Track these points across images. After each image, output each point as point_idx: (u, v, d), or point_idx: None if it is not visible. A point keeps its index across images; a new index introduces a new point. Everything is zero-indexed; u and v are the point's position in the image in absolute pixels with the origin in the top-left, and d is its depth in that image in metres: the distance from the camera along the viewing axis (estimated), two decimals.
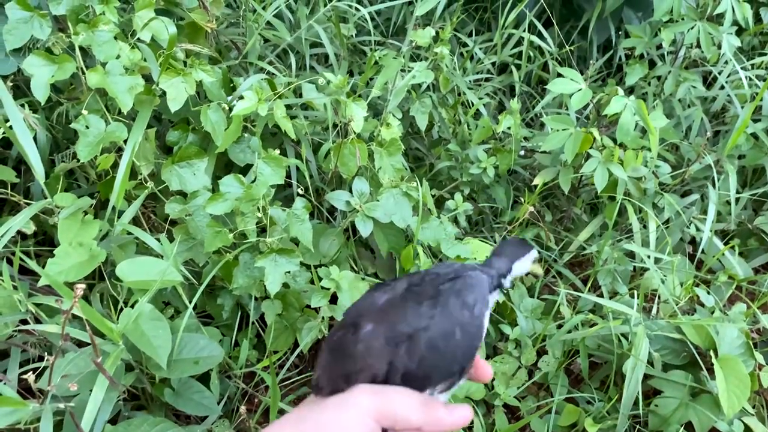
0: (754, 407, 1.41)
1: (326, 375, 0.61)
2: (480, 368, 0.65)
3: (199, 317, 1.42)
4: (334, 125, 1.52)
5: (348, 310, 0.65)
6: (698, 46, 2.04)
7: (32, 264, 1.03)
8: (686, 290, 1.55)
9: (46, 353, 1.09)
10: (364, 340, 0.59)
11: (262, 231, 1.30)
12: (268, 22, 1.74)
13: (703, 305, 1.57)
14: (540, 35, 2.29)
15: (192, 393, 1.22)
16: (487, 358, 1.55)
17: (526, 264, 0.76)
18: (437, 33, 1.77)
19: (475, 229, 1.94)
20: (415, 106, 1.76)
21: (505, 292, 1.62)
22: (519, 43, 2.28)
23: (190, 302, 1.21)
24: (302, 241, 1.28)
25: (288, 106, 1.52)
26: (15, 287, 1.09)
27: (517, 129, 1.78)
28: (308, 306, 1.39)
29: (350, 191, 1.44)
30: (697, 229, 1.83)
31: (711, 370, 1.37)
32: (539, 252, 1.85)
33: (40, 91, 1.16)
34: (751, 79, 2.11)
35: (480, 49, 2.33)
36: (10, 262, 1.16)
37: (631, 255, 1.74)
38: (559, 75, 1.71)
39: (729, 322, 1.45)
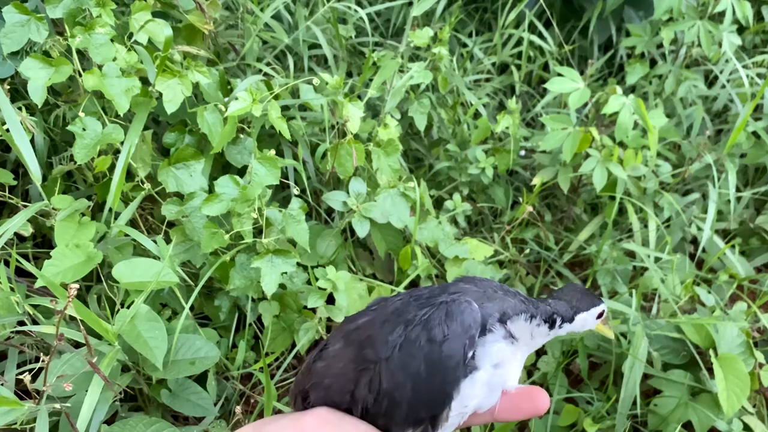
0: (754, 406, 1.40)
1: (293, 390, 0.57)
2: (531, 397, 0.55)
3: (197, 319, 1.42)
4: (332, 126, 1.52)
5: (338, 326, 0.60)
6: (699, 44, 2.03)
7: (29, 266, 1.04)
8: (686, 289, 1.55)
9: (42, 354, 1.09)
10: (327, 358, 0.54)
11: (258, 232, 1.30)
12: (266, 24, 1.75)
13: (703, 304, 1.56)
14: (540, 35, 2.29)
15: (189, 394, 1.22)
16: None
17: (590, 319, 0.64)
18: (436, 33, 1.78)
19: (475, 229, 1.93)
20: (413, 107, 1.76)
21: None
22: (519, 43, 2.28)
23: (187, 303, 1.22)
24: (299, 241, 1.28)
25: (286, 107, 1.52)
26: (12, 289, 1.09)
27: (516, 129, 1.78)
28: (306, 307, 1.39)
29: (348, 192, 1.44)
30: (698, 228, 1.82)
31: (711, 370, 1.36)
32: (539, 252, 1.85)
33: (37, 94, 1.17)
34: (752, 77, 2.10)
35: (480, 49, 2.32)
36: (7, 263, 1.16)
37: (631, 254, 1.74)
38: (559, 75, 1.71)
39: (729, 321, 1.44)
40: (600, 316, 0.66)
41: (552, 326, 0.59)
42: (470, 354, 0.50)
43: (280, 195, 1.62)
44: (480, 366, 0.51)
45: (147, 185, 1.30)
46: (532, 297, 0.61)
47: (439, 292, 0.53)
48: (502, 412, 0.55)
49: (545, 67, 2.39)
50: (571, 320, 0.62)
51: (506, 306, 0.54)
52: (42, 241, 1.41)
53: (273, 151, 1.29)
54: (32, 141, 1.18)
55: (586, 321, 0.64)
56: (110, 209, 1.22)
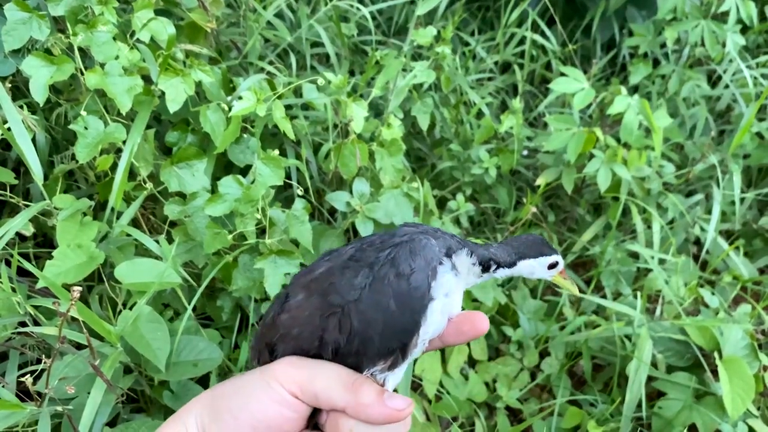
0: (758, 409, 1.40)
1: (255, 346, 0.59)
2: (472, 321, 0.59)
3: (199, 319, 1.41)
4: (335, 125, 1.51)
5: (291, 280, 0.61)
6: (702, 44, 2.02)
7: (30, 266, 1.03)
8: (690, 291, 1.54)
9: (44, 356, 1.08)
10: (290, 309, 0.56)
11: (261, 232, 1.29)
12: (269, 22, 1.74)
13: (707, 306, 1.56)
14: (543, 34, 2.27)
15: (191, 395, 1.21)
16: (490, 359, 1.54)
17: (539, 267, 0.68)
18: (439, 32, 1.76)
19: (478, 229, 1.93)
20: (416, 106, 1.75)
21: (500, 283, 1.60)
22: (522, 41, 2.27)
23: (189, 304, 1.21)
24: (302, 242, 1.27)
25: (288, 107, 1.51)
26: (14, 289, 1.08)
27: (520, 129, 1.77)
28: None
29: (351, 192, 1.43)
30: (702, 230, 1.81)
31: (715, 372, 1.36)
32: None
33: (39, 92, 1.15)
34: (756, 77, 2.09)
35: (482, 48, 2.31)
36: (8, 263, 1.15)
37: (634, 255, 1.73)
38: (562, 74, 1.70)
39: (733, 323, 1.43)
40: (553, 266, 0.70)
41: (485, 270, 0.64)
42: (432, 284, 0.55)
43: (283, 195, 1.61)
44: (435, 296, 0.56)
45: (149, 185, 1.29)
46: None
47: (389, 237, 0.57)
48: (449, 336, 0.60)
49: (548, 66, 2.38)
50: (511, 265, 0.66)
51: (449, 243, 0.60)
52: (43, 241, 1.40)
53: (276, 151, 1.28)
54: (33, 140, 1.16)
55: (534, 268, 0.68)
56: (112, 209, 1.21)
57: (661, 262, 1.66)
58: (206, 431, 0.53)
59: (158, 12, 1.33)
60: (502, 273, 0.66)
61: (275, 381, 0.52)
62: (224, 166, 1.45)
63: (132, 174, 1.29)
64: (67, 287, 0.97)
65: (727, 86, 2.16)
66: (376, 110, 1.82)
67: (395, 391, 0.57)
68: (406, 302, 0.54)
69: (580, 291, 1.73)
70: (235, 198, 1.21)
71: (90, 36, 1.20)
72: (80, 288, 0.83)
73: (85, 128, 1.19)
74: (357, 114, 1.41)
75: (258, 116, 1.28)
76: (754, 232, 1.98)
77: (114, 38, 1.22)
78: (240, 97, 1.25)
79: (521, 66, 2.26)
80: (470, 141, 1.89)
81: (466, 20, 2.46)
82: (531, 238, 0.69)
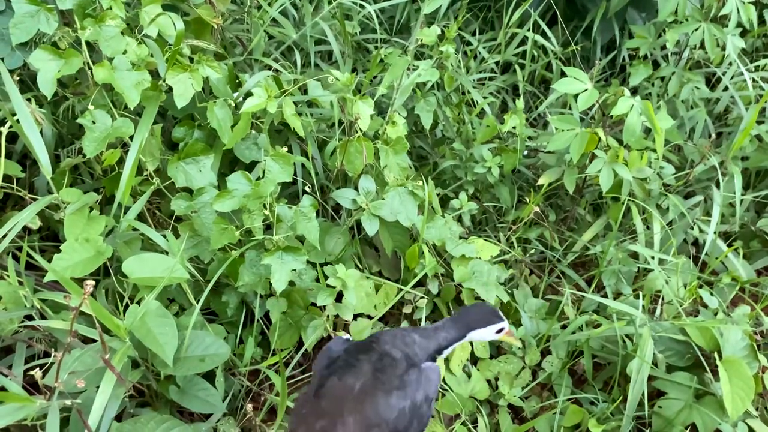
0: (757, 409, 1.41)
1: None
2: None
3: (204, 314, 1.41)
4: (340, 123, 1.51)
5: (317, 377, 0.90)
6: (702, 47, 2.03)
7: (40, 259, 1.03)
8: (690, 292, 1.55)
9: (52, 349, 1.08)
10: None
11: (267, 228, 1.29)
12: (273, 19, 1.74)
13: (706, 307, 1.57)
14: (544, 35, 2.28)
15: (197, 390, 1.21)
16: (491, 357, 1.55)
17: (488, 334, 0.92)
18: (442, 32, 1.76)
19: (479, 228, 1.93)
20: (420, 105, 1.75)
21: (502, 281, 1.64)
22: (523, 42, 2.27)
23: (197, 300, 1.21)
24: (309, 239, 1.28)
25: (294, 103, 1.51)
26: (21, 282, 1.08)
27: (523, 129, 1.78)
28: (313, 304, 1.38)
29: (356, 189, 1.43)
30: (701, 231, 1.83)
31: (715, 372, 1.37)
32: (542, 252, 1.85)
33: (47, 86, 1.15)
34: (755, 80, 2.11)
35: (484, 48, 2.32)
36: (15, 257, 1.15)
37: (634, 256, 1.74)
38: (563, 74, 1.70)
39: (732, 324, 1.45)
40: (500, 331, 0.98)
41: (434, 360, 0.91)
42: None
43: (287, 191, 1.61)
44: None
45: (156, 179, 1.29)
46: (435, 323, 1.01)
47: (391, 359, 0.89)
48: None
49: (548, 66, 2.39)
50: (460, 339, 0.92)
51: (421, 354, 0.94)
52: (48, 234, 1.39)
53: (285, 148, 1.28)
54: (40, 133, 1.16)
55: (483, 335, 0.95)
56: (119, 203, 1.20)
57: (661, 262, 1.67)
58: None
59: (165, 7, 1.33)
60: (450, 349, 0.94)
61: None
62: (229, 162, 1.45)
63: (138, 169, 1.29)
64: (78, 281, 0.97)
65: (726, 89, 2.17)
66: (380, 108, 1.82)
67: None
68: (422, 420, 0.86)
69: (581, 290, 1.74)
70: (243, 194, 1.21)
71: (98, 30, 1.20)
72: (93, 282, 0.83)
73: (93, 122, 1.19)
74: (364, 112, 1.41)
75: (267, 113, 1.28)
76: (752, 233, 1.99)
77: (122, 33, 1.22)
78: (250, 94, 1.25)
79: (522, 66, 2.27)
80: (472, 140, 1.89)
81: (467, 20, 2.46)
82: (482, 311, 0.93)
